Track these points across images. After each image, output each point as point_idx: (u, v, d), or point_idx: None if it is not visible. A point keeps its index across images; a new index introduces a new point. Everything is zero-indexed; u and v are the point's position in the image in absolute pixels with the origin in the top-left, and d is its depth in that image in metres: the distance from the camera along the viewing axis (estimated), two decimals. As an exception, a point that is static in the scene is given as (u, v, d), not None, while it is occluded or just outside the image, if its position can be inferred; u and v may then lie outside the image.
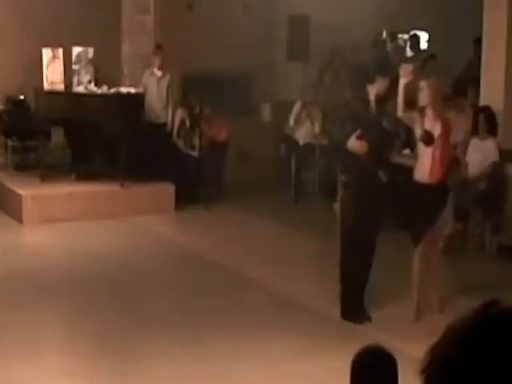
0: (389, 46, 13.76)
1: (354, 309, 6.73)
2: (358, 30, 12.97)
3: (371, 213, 6.58)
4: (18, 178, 11.13)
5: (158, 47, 11.57)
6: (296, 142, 11.85)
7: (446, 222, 6.99)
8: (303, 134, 11.83)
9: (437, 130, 6.69)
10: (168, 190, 10.91)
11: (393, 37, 13.92)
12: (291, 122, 11.95)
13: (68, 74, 11.10)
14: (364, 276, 6.71)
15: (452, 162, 7.08)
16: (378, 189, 6.60)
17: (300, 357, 6.15)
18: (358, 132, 6.60)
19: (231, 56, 12.55)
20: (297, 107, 11.97)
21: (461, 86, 11.11)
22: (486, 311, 1.32)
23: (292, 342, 6.41)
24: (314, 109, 11.95)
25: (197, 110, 11.46)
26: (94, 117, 10.79)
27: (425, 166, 6.71)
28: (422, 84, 6.77)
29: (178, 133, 11.55)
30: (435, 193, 6.69)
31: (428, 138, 6.62)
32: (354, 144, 6.58)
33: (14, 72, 11.70)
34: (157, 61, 11.50)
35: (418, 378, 1.33)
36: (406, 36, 13.77)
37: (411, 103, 6.85)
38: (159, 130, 11.51)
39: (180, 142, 11.51)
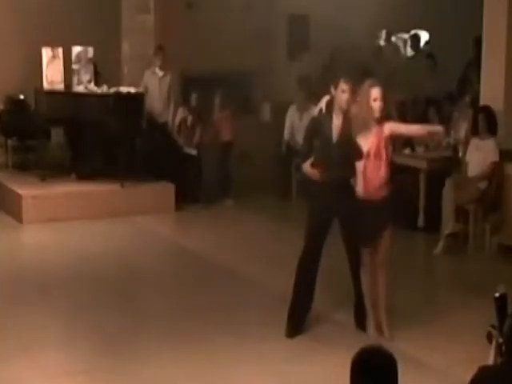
0: (386, 47, 13.76)
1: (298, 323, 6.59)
2: (358, 29, 12.98)
3: (316, 231, 6.45)
4: (18, 178, 11.13)
5: (160, 48, 11.56)
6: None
7: (385, 238, 6.38)
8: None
9: (366, 146, 6.26)
10: (168, 189, 10.91)
11: (391, 37, 13.93)
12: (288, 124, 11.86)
13: (68, 73, 11.10)
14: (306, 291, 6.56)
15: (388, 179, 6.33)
16: (326, 207, 6.36)
17: (301, 356, 6.16)
18: (313, 159, 6.42)
19: (231, 56, 12.55)
20: (294, 107, 11.90)
21: (463, 86, 11.17)
22: None
23: (293, 342, 6.42)
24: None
25: (197, 109, 11.47)
26: (93, 117, 10.78)
27: (359, 181, 6.32)
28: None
29: (179, 131, 11.55)
30: (368, 208, 6.26)
31: (357, 153, 6.26)
32: (307, 170, 6.43)
33: (14, 72, 11.70)
34: (158, 61, 11.50)
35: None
36: (406, 36, 13.78)
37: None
38: (160, 130, 11.51)
39: (180, 139, 11.50)
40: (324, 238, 6.47)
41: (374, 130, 6.27)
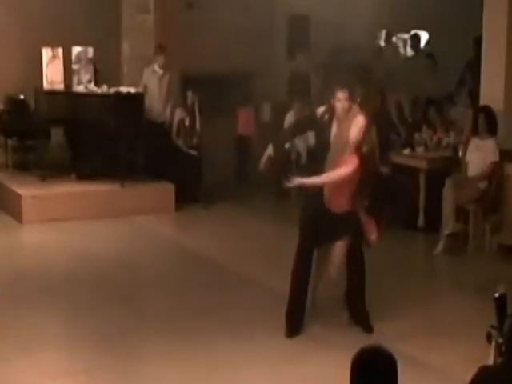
0: (386, 47, 13.75)
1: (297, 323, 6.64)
2: (358, 29, 12.99)
3: (309, 229, 6.51)
4: (18, 178, 11.13)
5: (161, 47, 11.54)
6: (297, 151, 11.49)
7: (337, 250, 6.49)
8: (302, 146, 11.33)
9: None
10: (168, 189, 10.91)
11: (391, 37, 13.93)
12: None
13: (68, 73, 11.10)
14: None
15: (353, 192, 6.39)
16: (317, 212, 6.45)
17: (301, 356, 6.16)
18: (271, 151, 6.67)
19: (231, 56, 12.55)
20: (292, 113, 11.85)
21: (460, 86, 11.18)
22: None
23: (292, 342, 6.42)
24: None
25: (195, 109, 11.46)
26: (93, 117, 10.78)
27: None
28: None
29: (178, 133, 11.54)
30: (330, 215, 6.39)
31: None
32: (263, 157, 6.74)
33: (14, 72, 11.70)
34: (159, 60, 11.49)
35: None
36: (406, 36, 13.78)
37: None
38: (159, 129, 11.51)
39: (180, 142, 11.50)
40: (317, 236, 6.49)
41: (336, 131, 6.37)
